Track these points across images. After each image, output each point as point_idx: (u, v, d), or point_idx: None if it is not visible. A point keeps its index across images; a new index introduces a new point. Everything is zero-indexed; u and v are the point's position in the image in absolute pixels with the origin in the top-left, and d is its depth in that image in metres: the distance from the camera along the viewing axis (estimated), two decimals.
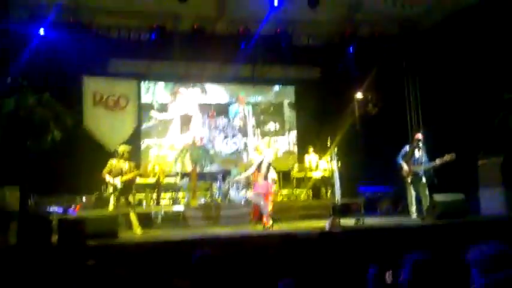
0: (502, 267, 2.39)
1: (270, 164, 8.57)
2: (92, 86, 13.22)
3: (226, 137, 13.72)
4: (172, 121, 13.92)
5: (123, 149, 8.65)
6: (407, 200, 8.98)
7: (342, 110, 13.69)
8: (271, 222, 8.14)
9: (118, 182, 8.26)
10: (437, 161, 8.53)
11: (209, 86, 14.50)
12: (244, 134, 14.46)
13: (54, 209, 10.75)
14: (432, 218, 8.10)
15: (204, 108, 14.29)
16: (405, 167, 8.73)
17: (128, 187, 8.52)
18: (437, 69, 12.18)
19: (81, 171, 11.14)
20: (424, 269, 2.66)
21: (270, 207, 8.49)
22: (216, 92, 14.60)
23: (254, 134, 14.70)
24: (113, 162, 8.44)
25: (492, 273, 2.38)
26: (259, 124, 14.80)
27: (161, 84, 14.08)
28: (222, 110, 14.52)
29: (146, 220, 10.48)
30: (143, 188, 11.53)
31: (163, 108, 13.93)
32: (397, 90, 13.90)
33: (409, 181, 8.69)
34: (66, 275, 5.10)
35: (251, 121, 14.75)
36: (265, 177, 8.42)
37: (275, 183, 8.71)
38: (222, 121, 14.44)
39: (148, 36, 12.22)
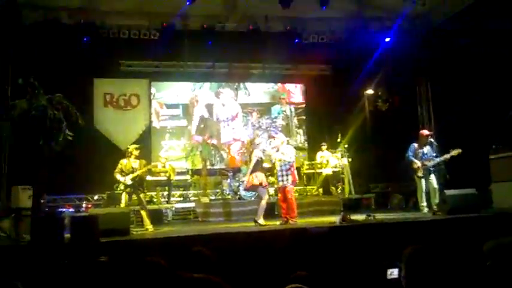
0: None
1: (261, 159, 8.43)
2: (103, 87, 13.34)
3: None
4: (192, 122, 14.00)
5: (131, 148, 8.75)
6: (418, 195, 8.95)
7: (352, 106, 13.68)
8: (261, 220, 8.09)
9: (128, 179, 8.34)
10: (443, 157, 8.53)
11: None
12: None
13: (67, 208, 10.91)
14: (443, 212, 8.06)
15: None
16: (418, 162, 8.70)
17: (139, 184, 8.60)
18: (448, 65, 12.09)
19: (93, 170, 11.26)
20: (421, 263, 2.65)
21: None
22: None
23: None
24: (123, 162, 8.55)
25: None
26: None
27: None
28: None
29: (157, 217, 10.57)
30: (154, 185, 11.61)
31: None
32: (407, 86, 13.83)
33: (421, 176, 8.66)
34: (79, 272, 5.16)
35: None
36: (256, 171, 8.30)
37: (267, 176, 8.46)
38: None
39: (158, 36, 12.30)
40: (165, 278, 2.31)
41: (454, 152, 8.43)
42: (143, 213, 8.50)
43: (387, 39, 13.00)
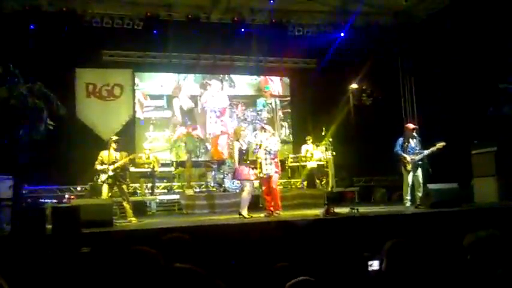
0: (496, 252, 2.42)
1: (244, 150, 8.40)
2: (85, 77, 13.11)
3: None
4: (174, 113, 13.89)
5: (110, 139, 8.62)
6: (403, 189, 9.03)
7: (337, 100, 13.73)
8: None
9: (110, 170, 8.24)
10: (429, 150, 8.61)
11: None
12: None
13: (48, 199, 10.75)
14: (426, 206, 8.15)
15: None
16: (407, 156, 8.76)
17: (120, 175, 8.49)
18: (432, 60, 12.22)
19: (76, 161, 11.11)
20: (402, 256, 2.67)
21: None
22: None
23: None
24: (104, 154, 8.42)
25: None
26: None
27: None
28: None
29: (141, 209, 10.50)
30: (138, 177, 11.52)
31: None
32: (391, 81, 13.94)
33: (409, 170, 8.73)
34: (61, 263, 5.09)
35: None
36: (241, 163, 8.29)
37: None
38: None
39: (141, 26, 12.16)
40: (155, 267, 2.29)
41: (439, 145, 8.51)
42: (126, 205, 8.38)
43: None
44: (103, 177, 8.31)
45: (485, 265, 2.45)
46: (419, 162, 8.73)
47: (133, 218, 8.25)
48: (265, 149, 8.11)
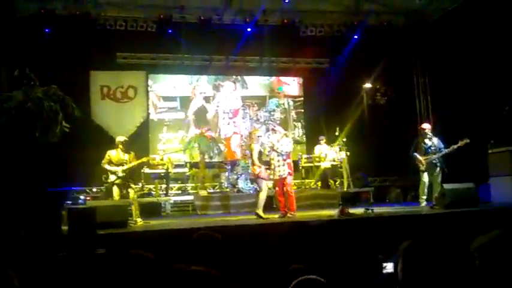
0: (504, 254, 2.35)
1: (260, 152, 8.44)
2: (99, 79, 13.24)
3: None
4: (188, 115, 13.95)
5: (118, 140, 8.60)
6: (419, 189, 8.97)
7: (351, 100, 13.66)
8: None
9: (120, 171, 8.25)
10: (454, 146, 8.52)
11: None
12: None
13: (64, 200, 10.85)
14: (442, 206, 8.07)
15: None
16: (419, 157, 8.72)
17: (129, 177, 8.50)
18: (446, 59, 12.08)
19: (91, 163, 11.13)
20: (418, 257, 2.62)
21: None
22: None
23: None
24: (112, 154, 8.40)
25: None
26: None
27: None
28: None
29: (155, 210, 10.54)
30: (152, 178, 11.58)
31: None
32: (405, 80, 13.82)
33: (423, 170, 8.67)
34: (76, 264, 5.14)
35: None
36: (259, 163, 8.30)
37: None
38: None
39: (155, 28, 12.24)
40: (152, 270, 2.29)
41: (462, 142, 8.41)
42: (134, 205, 8.34)
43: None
44: (112, 177, 8.29)
45: (496, 270, 2.37)
46: (435, 162, 8.64)
47: (139, 219, 8.19)
48: (276, 151, 8.12)
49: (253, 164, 8.29)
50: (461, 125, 10.65)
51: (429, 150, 8.70)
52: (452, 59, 11.77)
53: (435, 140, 8.74)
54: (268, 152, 8.38)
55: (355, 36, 13.24)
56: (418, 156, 8.72)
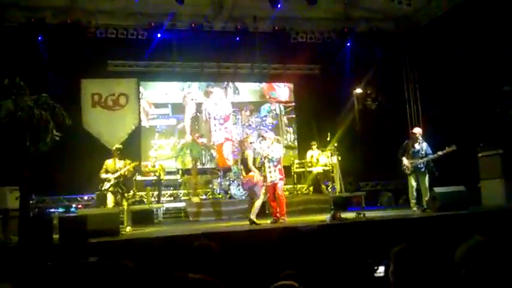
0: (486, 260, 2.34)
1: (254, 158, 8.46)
2: (90, 87, 13.22)
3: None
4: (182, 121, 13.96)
5: (113, 148, 8.75)
6: (408, 193, 9.00)
7: (342, 105, 13.73)
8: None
9: (112, 178, 8.33)
10: (439, 153, 8.56)
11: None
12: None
13: (56, 208, 10.80)
14: (433, 210, 8.11)
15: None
16: (405, 161, 8.75)
17: (122, 184, 8.54)
18: (436, 64, 12.20)
19: (82, 171, 11.14)
20: (410, 261, 2.63)
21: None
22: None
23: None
24: (108, 162, 8.54)
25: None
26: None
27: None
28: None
29: (148, 217, 10.50)
30: (144, 185, 11.53)
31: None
32: (395, 85, 13.92)
33: (408, 173, 8.72)
34: (68, 273, 5.10)
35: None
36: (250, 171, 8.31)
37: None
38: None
39: (145, 36, 12.25)
40: (132, 280, 2.29)
41: (449, 149, 8.44)
42: (125, 213, 8.45)
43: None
44: (106, 185, 8.38)
45: (482, 278, 2.35)
46: (420, 166, 8.64)
47: (128, 227, 8.29)
48: (267, 157, 8.17)
49: (249, 170, 8.27)
50: (451, 128, 10.74)
51: (417, 154, 8.71)
52: (442, 64, 11.89)
53: (424, 145, 8.76)
54: (261, 160, 8.41)
55: (347, 44, 13.34)
56: (405, 159, 8.76)
